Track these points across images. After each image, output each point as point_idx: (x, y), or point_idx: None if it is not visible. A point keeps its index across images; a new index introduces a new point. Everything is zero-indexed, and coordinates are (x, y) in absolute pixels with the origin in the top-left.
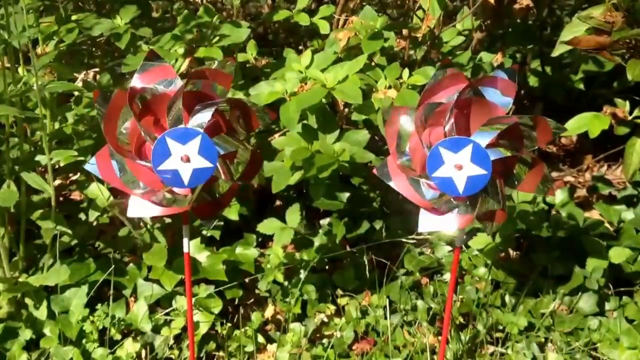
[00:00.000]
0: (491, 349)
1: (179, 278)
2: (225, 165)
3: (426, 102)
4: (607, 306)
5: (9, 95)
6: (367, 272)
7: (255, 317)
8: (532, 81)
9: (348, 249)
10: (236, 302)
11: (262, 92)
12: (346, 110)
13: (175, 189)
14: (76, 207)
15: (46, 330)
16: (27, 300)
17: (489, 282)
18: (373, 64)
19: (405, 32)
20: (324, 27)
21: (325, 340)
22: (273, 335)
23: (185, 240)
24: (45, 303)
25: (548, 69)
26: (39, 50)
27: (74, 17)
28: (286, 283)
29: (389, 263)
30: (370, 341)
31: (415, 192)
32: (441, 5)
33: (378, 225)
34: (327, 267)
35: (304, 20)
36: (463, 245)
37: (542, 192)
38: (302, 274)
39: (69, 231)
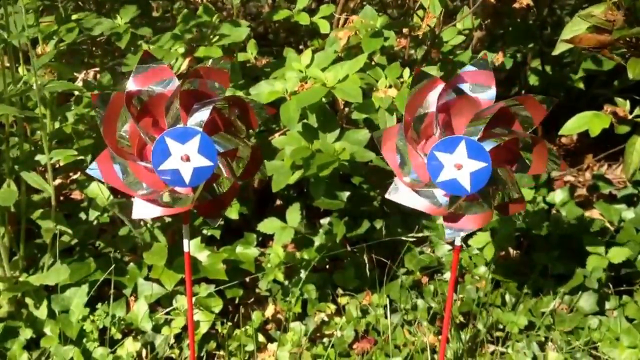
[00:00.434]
0: (491, 348)
1: (180, 277)
2: (227, 163)
3: (412, 116)
4: (607, 305)
5: (9, 95)
6: (367, 271)
7: (256, 316)
8: (533, 80)
9: (348, 248)
10: (236, 302)
11: (263, 92)
12: (346, 109)
13: (177, 189)
14: (76, 207)
15: (46, 330)
16: (28, 300)
17: (489, 281)
18: (373, 63)
19: (405, 31)
20: (324, 27)
21: (325, 340)
22: (273, 334)
23: (185, 240)
24: (45, 302)
25: (548, 68)
26: (38, 49)
27: (74, 17)
28: (286, 282)
29: (389, 262)
30: (371, 340)
31: (430, 204)
32: (442, 3)
33: (378, 224)
34: (327, 266)
35: (304, 19)
36: (463, 244)
37: (554, 168)
38: (303, 273)
39: (69, 230)
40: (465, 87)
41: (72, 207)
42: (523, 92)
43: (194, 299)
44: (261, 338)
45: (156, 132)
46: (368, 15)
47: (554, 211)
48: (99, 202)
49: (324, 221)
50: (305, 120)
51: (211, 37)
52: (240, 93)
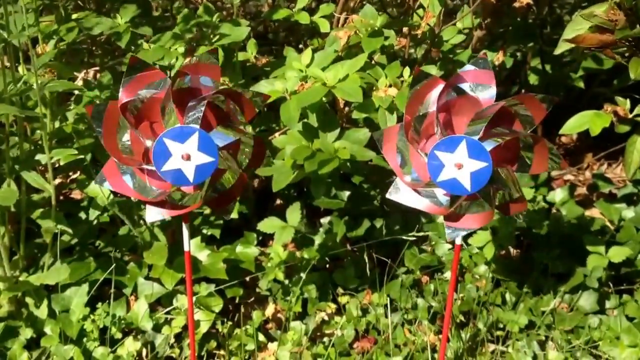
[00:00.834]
0: (492, 347)
1: (180, 277)
2: (230, 156)
3: (412, 116)
4: (608, 304)
5: (9, 94)
6: (367, 271)
7: (256, 315)
8: (533, 79)
9: (349, 247)
10: (237, 301)
11: (263, 91)
12: (346, 108)
13: (183, 188)
14: (76, 206)
15: (47, 329)
16: (28, 299)
17: (489, 280)
18: (373, 62)
19: (405, 30)
20: (324, 26)
21: (326, 339)
22: (274, 333)
23: (185, 239)
24: (45, 302)
25: (548, 68)
26: (38, 49)
27: (74, 16)
28: (287, 281)
29: (390, 261)
30: (371, 339)
31: (431, 204)
32: (441, 2)
33: (379, 223)
34: (327, 265)
35: (304, 19)
36: (464, 243)
37: (555, 167)
38: (303, 273)
39: (70, 230)
40: (466, 86)
41: (72, 207)
42: (523, 91)
43: (194, 298)
44: (261, 337)
45: (156, 135)
46: (368, 15)
47: (554, 210)
48: (99, 202)
49: (324, 220)
50: (305, 120)
51: (211, 36)
52: None
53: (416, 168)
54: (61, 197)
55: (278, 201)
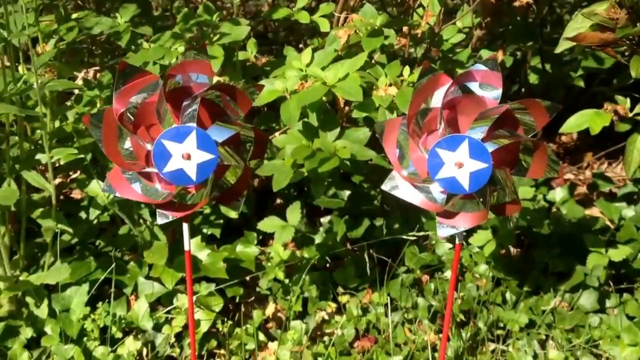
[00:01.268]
0: (492, 346)
1: (180, 276)
2: (234, 151)
3: (416, 110)
4: (608, 303)
5: (9, 94)
6: (368, 270)
7: (256, 315)
8: (532, 78)
9: (349, 246)
10: (237, 300)
11: (263, 91)
12: (347, 108)
13: (188, 187)
14: (77, 206)
15: (47, 329)
16: (28, 299)
17: (489, 280)
18: (373, 61)
19: (405, 29)
20: (324, 25)
21: (326, 338)
22: (274, 333)
23: (185, 238)
24: (46, 301)
25: (548, 67)
26: (38, 48)
27: (73, 16)
28: (287, 281)
29: (390, 261)
30: (371, 339)
31: (426, 200)
32: (441, 1)
33: (379, 222)
34: (327, 264)
35: (304, 18)
36: (464, 242)
37: (552, 174)
38: (303, 272)
39: (70, 229)
40: (474, 85)
41: (72, 206)
42: (523, 90)
43: (194, 297)
44: (262, 337)
45: (154, 138)
46: (368, 14)
47: (554, 209)
48: (99, 201)
49: (325, 220)
50: (305, 119)
51: (211, 36)
52: None
53: (414, 162)
54: (61, 197)
55: (278, 200)
